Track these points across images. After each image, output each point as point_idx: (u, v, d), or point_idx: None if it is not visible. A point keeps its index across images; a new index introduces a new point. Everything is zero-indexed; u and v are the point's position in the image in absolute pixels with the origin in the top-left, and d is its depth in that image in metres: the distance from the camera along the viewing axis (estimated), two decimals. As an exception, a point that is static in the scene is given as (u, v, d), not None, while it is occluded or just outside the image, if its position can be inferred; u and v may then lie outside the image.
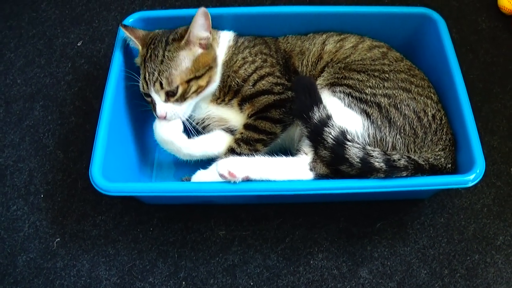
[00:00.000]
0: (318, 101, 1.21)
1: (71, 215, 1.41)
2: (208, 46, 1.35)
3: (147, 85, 1.33)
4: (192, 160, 1.38)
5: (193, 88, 1.33)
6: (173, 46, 1.32)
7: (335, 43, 1.43)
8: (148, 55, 1.33)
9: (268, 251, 1.34)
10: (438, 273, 1.31)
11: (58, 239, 1.38)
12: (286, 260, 1.33)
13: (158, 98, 1.32)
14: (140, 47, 1.37)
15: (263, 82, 1.36)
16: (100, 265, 1.34)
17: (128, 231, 1.38)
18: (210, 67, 1.35)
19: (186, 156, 1.36)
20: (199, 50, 1.34)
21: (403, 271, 1.31)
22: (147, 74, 1.32)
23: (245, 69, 1.37)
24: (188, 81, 1.32)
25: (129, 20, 1.47)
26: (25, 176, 1.48)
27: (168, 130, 1.33)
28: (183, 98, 1.33)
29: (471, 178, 1.19)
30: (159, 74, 1.30)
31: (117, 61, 1.39)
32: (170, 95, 1.32)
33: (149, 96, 1.34)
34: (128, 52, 1.45)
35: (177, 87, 1.31)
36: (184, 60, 1.32)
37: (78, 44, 1.76)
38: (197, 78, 1.33)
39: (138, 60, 1.39)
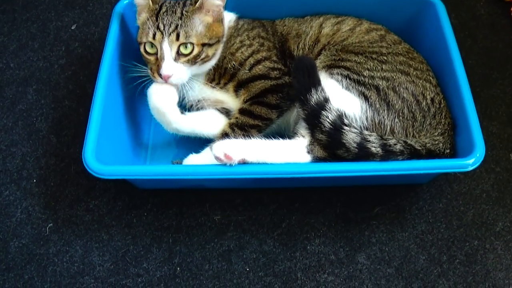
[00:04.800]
0: (316, 83, 1.19)
1: (64, 200, 1.39)
2: (219, 18, 1.34)
3: (161, 34, 1.28)
4: (178, 135, 1.37)
5: (203, 55, 1.31)
6: (190, 8, 1.31)
7: (332, 26, 1.42)
8: (163, 10, 1.31)
9: (264, 236, 1.33)
10: (436, 259, 1.30)
11: (51, 224, 1.36)
12: (283, 246, 1.31)
13: (168, 53, 1.28)
14: (150, 2, 1.33)
15: (259, 66, 1.35)
16: (93, 250, 1.32)
17: (122, 216, 1.36)
18: (218, 40, 1.34)
19: (174, 130, 1.34)
20: (211, 19, 1.33)
21: (401, 257, 1.30)
22: (161, 25, 1.28)
23: (241, 52, 1.36)
24: (203, 45, 1.30)
25: (123, 2, 1.45)
26: (17, 160, 1.46)
27: (163, 99, 1.29)
28: (194, 61, 1.30)
29: (471, 162, 1.18)
30: (177, 27, 1.28)
31: (111, 43, 1.37)
32: (180, 55, 1.29)
33: (153, 53, 1.30)
34: (123, 36, 1.43)
35: (193, 47, 1.29)
36: (200, 23, 1.31)
37: (72, 28, 1.74)
38: (209, 45, 1.32)
39: (143, 17, 1.34)
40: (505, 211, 1.37)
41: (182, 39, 1.28)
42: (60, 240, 1.34)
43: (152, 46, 1.30)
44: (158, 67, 1.28)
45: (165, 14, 1.30)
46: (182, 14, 1.30)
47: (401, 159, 1.18)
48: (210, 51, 1.33)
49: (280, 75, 1.34)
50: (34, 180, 1.43)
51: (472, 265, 1.29)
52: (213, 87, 1.39)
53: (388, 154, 1.17)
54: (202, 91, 1.39)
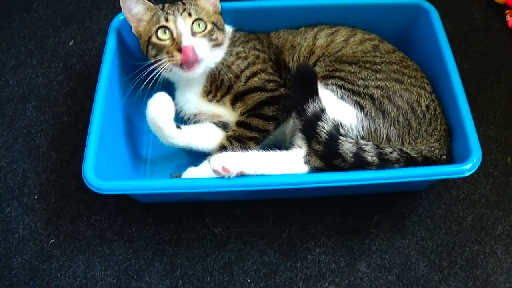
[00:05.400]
0: (314, 93, 1.20)
1: (65, 215, 1.40)
2: (218, 11, 1.40)
3: (174, 16, 1.30)
4: (177, 148, 1.38)
5: (215, 35, 1.33)
6: None
7: (326, 37, 1.43)
8: (166, 6, 1.35)
9: (265, 247, 1.33)
10: (437, 265, 1.30)
11: (53, 240, 1.37)
12: (283, 256, 1.32)
13: (185, 28, 1.29)
14: (150, 4, 1.36)
15: (255, 79, 1.35)
16: (95, 265, 1.33)
17: (123, 231, 1.37)
18: (223, 30, 1.38)
19: (169, 144, 1.34)
20: (211, 9, 1.38)
21: (401, 264, 1.30)
22: (171, 11, 1.32)
23: (237, 64, 1.37)
24: (213, 24, 1.33)
25: (119, 18, 1.46)
26: (18, 177, 1.47)
27: (160, 113, 1.28)
28: (209, 36, 1.32)
29: (468, 167, 1.19)
30: (185, 9, 1.32)
31: (108, 59, 1.38)
32: (195, 33, 1.30)
33: (167, 38, 1.30)
34: (120, 51, 1.44)
35: (205, 25, 1.32)
36: (204, 8, 1.36)
37: (70, 44, 1.75)
38: (218, 28, 1.35)
39: (146, 16, 1.36)
40: (504, 214, 1.38)
41: (194, 16, 1.31)
42: (62, 255, 1.34)
43: (164, 32, 1.30)
44: (177, 44, 1.28)
45: (169, 7, 1.34)
46: (184, 3, 1.35)
47: (397, 167, 1.19)
48: (220, 35, 1.35)
49: (276, 87, 1.35)
50: (35, 196, 1.44)
51: (473, 270, 1.29)
52: (210, 101, 1.40)
53: (384, 162, 1.17)
54: (199, 105, 1.40)
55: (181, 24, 1.29)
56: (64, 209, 1.41)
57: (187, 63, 1.28)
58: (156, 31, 1.31)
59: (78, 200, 1.42)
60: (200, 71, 1.33)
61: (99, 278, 1.31)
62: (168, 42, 1.30)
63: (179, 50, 1.27)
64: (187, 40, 1.28)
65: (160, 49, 1.31)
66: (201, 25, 1.32)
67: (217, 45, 1.35)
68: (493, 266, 1.30)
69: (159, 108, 1.28)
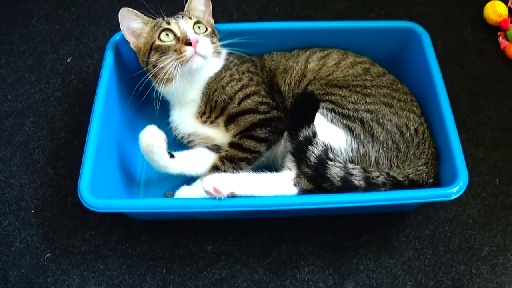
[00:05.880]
0: (311, 121, 1.22)
1: (61, 230, 1.42)
2: (213, 26, 1.46)
3: (175, 19, 1.37)
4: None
5: (215, 39, 1.40)
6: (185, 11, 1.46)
7: (318, 61, 1.45)
8: (164, 18, 1.40)
9: (255, 265, 1.35)
10: (423, 284, 1.32)
11: (49, 254, 1.39)
12: (273, 274, 1.34)
13: (188, 27, 1.35)
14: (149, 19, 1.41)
15: (248, 101, 1.38)
16: (90, 280, 1.35)
17: (117, 246, 1.39)
18: (218, 40, 1.44)
19: (164, 172, 1.37)
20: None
21: (389, 283, 1.32)
22: (171, 19, 1.38)
23: (231, 86, 1.39)
24: (211, 28, 1.42)
25: (116, 37, 1.49)
26: (16, 191, 1.49)
27: (153, 145, 1.30)
28: (211, 36, 1.38)
29: (455, 190, 1.21)
30: (185, 13, 1.41)
31: (105, 77, 1.41)
32: (197, 33, 1.36)
33: (171, 40, 1.34)
34: (117, 68, 1.47)
35: (205, 28, 1.39)
36: (200, 16, 1.45)
37: (68, 60, 1.77)
38: (214, 33, 1.42)
39: (147, 28, 1.40)
40: (491, 235, 1.40)
41: (194, 19, 1.38)
42: (58, 269, 1.36)
43: (167, 35, 1.35)
44: (183, 40, 1.33)
45: (167, 17, 1.40)
46: (181, 13, 1.43)
47: (383, 190, 1.21)
48: (217, 42, 1.41)
49: (269, 109, 1.37)
50: (32, 211, 1.46)
51: (459, 290, 1.32)
52: (204, 122, 1.42)
53: (370, 186, 1.20)
54: (193, 126, 1.43)
55: (184, 24, 1.35)
56: (60, 224, 1.43)
57: (198, 54, 1.33)
58: (159, 35, 1.35)
59: (74, 216, 1.44)
60: (204, 65, 1.36)
61: (93, 293, 1.33)
62: (172, 42, 1.34)
63: (187, 44, 1.31)
64: (192, 34, 1.34)
65: (165, 50, 1.34)
66: (201, 27, 1.38)
67: (217, 52, 1.40)
68: (479, 286, 1.32)
69: (150, 141, 1.30)
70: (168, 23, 1.36)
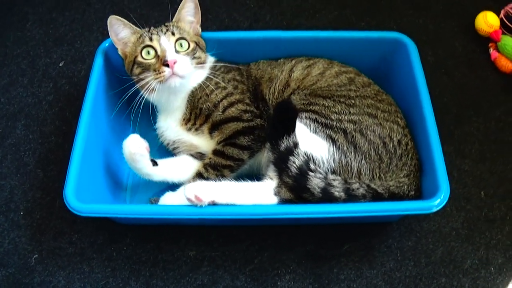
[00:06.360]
0: (291, 130, 1.23)
1: (49, 232, 1.44)
2: (198, 33, 1.47)
3: (158, 35, 1.37)
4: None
5: (197, 53, 1.40)
6: (172, 22, 1.45)
7: (303, 70, 1.46)
8: (151, 29, 1.42)
9: (237, 272, 1.37)
10: (404, 295, 1.33)
11: (36, 255, 1.41)
12: (254, 281, 1.35)
13: (169, 46, 1.36)
14: (136, 28, 1.42)
15: (232, 109, 1.39)
16: (75, 281, 1.36)
17: (102, 250, 1.41)
18: (204, 52, 1.45)
19: (147, 178, 1.39)
20: (192, 32, 1.45)
21: (369, 294, 1.33)
22: (155, 31, 1.39)
23: (216, 94, 1.40)
24: (195, 43, 1.41)
25: (106, 44, 1.51)
26: (6, 193, 1.51)
27: (135, 153, 1.32)
28: (192, 54, 1.39)
29: (436, 203, 1.21)
30: (168, 29, 1.39)
31: (93, 83, 1.43)
32: (178, 51, 1.37)
33: (152, 57, 1.35)
34: (106, 74, 1.49)
35: (188, 44, 1.39)
36: (185, 29, 1.43)
37: (60, 65, 1.79)
38: (199, 48, 1.42)
39: (133, 38, 1.42)
40: (474, 248, 1.40)
41: (177, 35, 1.38)
42: (44, 270, 1.38)
43: (148, 53, 1.36)
44: (161, 60, 1.34)
45: (153, 29, 1.41)
46: (167, 25, 1.41)
47: (363, 201, 1.22)
48: (202, 54, 1.42)
49: (252, 117, 1.39)
50: (21, 213, 1.48)
51: (439, 302, 1.32)
52: (189, 129, 1.44)
53: (350, 197, 1.21)
54: (178, 133, 1.45)
55: (165, 42, 1.36)
56: (47, 226, 1.45)
57: (175, 75, 1.34)
58: (141, 51, 1.36)
59: (61, 218, 1.46)
60: (184, 82, 1.37)
61: (78, 295, 1.35)
62: (153, 60, 1.36)
63: (165, 65, 1.32)
64: (171, 55, 1.34)
65: (146, 67, 1.36)
66: (183, 44, 1.38)
67: (200, 63, 1.41)
68: (460, 299, 1.32)
69: (133, 150, 1.31)
70: (151, 39, 1.37)
